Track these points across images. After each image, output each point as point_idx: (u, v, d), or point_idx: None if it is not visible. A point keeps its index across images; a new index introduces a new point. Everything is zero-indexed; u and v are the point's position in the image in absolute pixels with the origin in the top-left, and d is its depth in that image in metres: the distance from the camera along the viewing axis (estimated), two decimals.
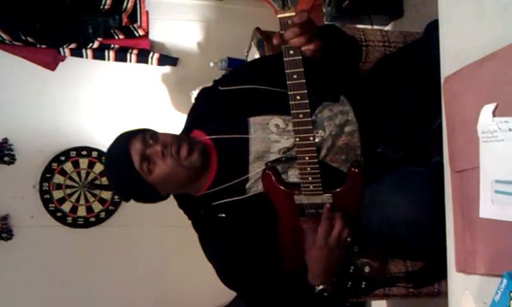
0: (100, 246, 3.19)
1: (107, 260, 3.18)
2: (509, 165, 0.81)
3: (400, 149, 1.45)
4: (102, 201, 3.20)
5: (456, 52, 1.00)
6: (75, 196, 3.19)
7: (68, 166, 3.19)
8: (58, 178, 3.17)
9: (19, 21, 3.03)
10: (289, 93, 1.27)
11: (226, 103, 1.54)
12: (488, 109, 0.85)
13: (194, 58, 3.38)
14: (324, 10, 2.72)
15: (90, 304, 3.14)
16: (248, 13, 3.28)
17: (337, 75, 1.52)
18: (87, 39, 3.13)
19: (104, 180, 3.16)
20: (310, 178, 1.38)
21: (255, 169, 1.46)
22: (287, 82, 1.26)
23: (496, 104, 0.84)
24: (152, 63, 3.28)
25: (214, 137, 1.51)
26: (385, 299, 1.83)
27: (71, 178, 3.19)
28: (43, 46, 3.10)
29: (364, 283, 1.52)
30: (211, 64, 3.10)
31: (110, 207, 3.19)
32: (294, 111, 1.30)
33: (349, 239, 1.43)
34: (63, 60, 3.20)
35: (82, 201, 3.19)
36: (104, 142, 3.20)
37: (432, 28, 1.38)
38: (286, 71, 1.24)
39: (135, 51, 3.22)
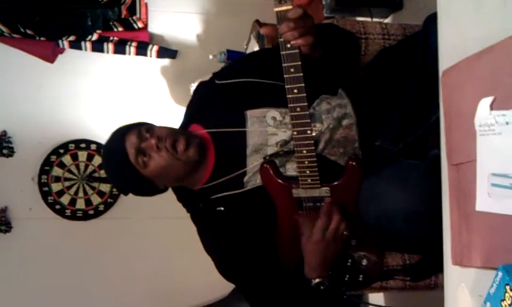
0: (98, 239, 3.20)
1: (105, 253, 3.18)
2: (506, 159, 0.81)
3: (399, 142, 1.45)
4: (100, 193, 3.20)
5: (454, 46, 1.00)
6: (74, 188, 3.19)
7: (66, 159, 3.19)
8: (57, 171, 3.17)
9: (18, 13, 3.02)
10: (286, 86, 1.27)
11: (223, 96, 1.54)
12: (485, 102, 0.85)
13: (193, 50, 3.37)
14: (323, 2, 2.71)
15: (89, 297, 3.14)
16: (247, 5, 3.26)
17: (336, 70, 1.52)
18: (86, 31, 3.13)
19: (103, 173, 3.15)
20: (308, 172, 1.38)
21: (253, 162, 1.46)
22: (284, 76, 1.26)
23: (494, 97, 0.84)
24: (151, 56, 3.28)
25: (211, 130, 1.51)
26: (382, 291, 1.84)
27: (70, 171, 3.19)
28: (42, 38, 3.09)
29: (361, 275, 1.53)
30: (210, 56, 3.10)
31: (109, 200, 3.19)
32: (291, 105, 1.30)
33: (345, 233, 1.43)
34: (61, 52, 3.19)
35: (80, 194, 3.19)
36: (102, 135, 3.19)
37: (431, 21, 1.38)
38: (283, 64, 1.24)
39: (134, 43, 3.22)
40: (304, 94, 1.28)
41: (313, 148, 1.35)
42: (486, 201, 0.85)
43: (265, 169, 1.44)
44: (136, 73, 3.31)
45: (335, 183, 1.41)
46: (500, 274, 0.75)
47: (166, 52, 3.31)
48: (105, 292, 3.16)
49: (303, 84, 1.26)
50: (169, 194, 1.62)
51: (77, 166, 3.21)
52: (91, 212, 3.20)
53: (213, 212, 1.51)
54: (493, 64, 0.85)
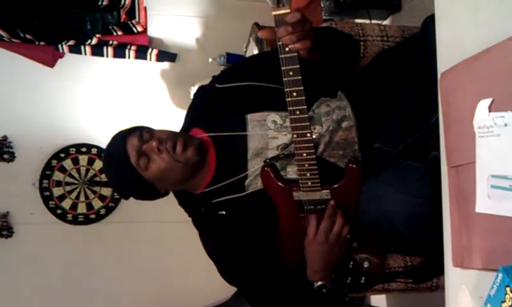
0: (100, 243, 3.20)
1: (107, 257, 3.19)
2: (505, 160, 0.81)
3: (398, 144, 1.46)
4: (102, 197, 3.21)
5: (452, 48, 1.00)
6: (75, 193, 3.20)
7: (67, 163, 3.20)
8: (58, 175, 3.18)
9: (17, 18, 3.03)
10: (285, 89, 1.27)
11: (223, 100, 1.55)
12: (483, 104, 0.85)
13: (192, 54, 3.38)
14: (322, 5, 2.72)
15: (91, 301, 3.14)
16: (247, 8, 3.27)
17: (335, 73, 1.52)
18: (85, 35, 3.13)
19: (104, 177, 3.16)
20: (308, 174, 1.38)
21: (254, 166, 1.47)
22: (283, 79, 1.26)
23: (492, 99, 0.84)
24: (150, 59, 3.28)
25: (212, 134, 1.51)
26: (384, 293, 1.84)
27: (71, 175, 3.20)
28: (41, 43, 3.10)
29: (363, 278, 1.53)
30: (210, 59, 3.11)
31: (110, 204, 3.20)
32: (290, 108, 1.30)
33: (348, 236, 1.43)
34: (61, 57, 3.20)
35: (82, 198, 3.20)
36: (103, 139, 3.21)
37: (430, 23, 1.38)
38: (282, 68, 1.25)
39: (133, 47, 3.22)
40: (304, 98, 1.28)
41: (313, 150, 1.35)
42: (486, 202, 0.85)
43: (266, 172, 1.45)
44: (136, 76, 3.32)
45: (335, 185, 1.41)
46: (500, 275, 0.75)
47: (166, 55, 3.32)
48: (107, 296, 3.16)
49: (301, 87, 1.26)
50: (171, 198, 1.62)
51: (78, 170, 3.21)
52: (93, 216, 3.21)
53: (215, 216, 1.51)
54: (491, 66, 0.86)
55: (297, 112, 1.31)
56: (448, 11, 1.04)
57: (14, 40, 3.05)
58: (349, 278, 1.53)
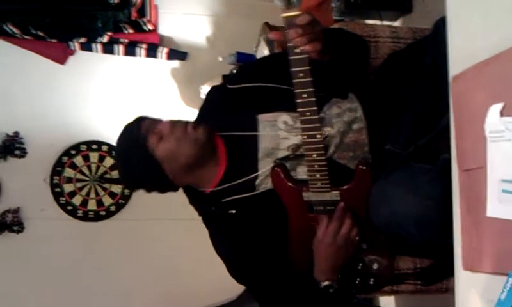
0: (110, 240, 3.22)
1: (117, 253, 3.21)
2: None
3: (409, 146, 1.46)
4: (112, 194, 3.23)
5: (463, 52, 1.00)
6: (86, 189, 3.22)
7: (78, 160, 3.22)
8: (69, 172, 3.20)
9: (29, 15, 3.04)
10: (295, 91, 1.28)
11: (235, 101, 1.56)
12: (495, 108, 0.85)
13: (203, 52, 3.39)
14: (333, 5, 2.72)
15: (100, 297, 3.16)
16: (257, 7, 3.27)
17: (346, 75, 1.52)
18: (96, 33, 3.15)
19: (114, 174, 3.19)
20: (318, 175, 1.39)
21: (264, 166, 1.47)
22: (293, 81, 1.26)
23: (504, 104, 0.84)
24: (161, 58, 3.29)
25: (223, 134, 1.52)
26: (393, 294, 1.84)
27: (81, 172, 3.22)
28: (53, 40, 3.12)
29: (372, 279, 1.53)
30: (220, 58, 3.11)
31: (120, 201, 3.22)
32: (301, 109, 1.30)
33: (357, 238, 1.44)
34: (72, 54, 3.22)
35: (92, 195, 3.22)
36: (113, 137, 3.18)
37: (441, 25, 1.38)
38: (292, 69, 1.25)
39: (144, 45, 3.24)
40: (314, 99, 1.28)
41: (323, 151, 1.35)
42: (497, 207, 0.85)
43: (276, 173, 1.45)
44: (146, 74, 3.33)
45: (345, 187, 1.41)
46: (510, 279, 0.76)
47: (176, 54, 3.33)
48: (115, 292, 3.18)
49: (312, 89, 1.26)
50: (180, 196, 1.63)
51: (89, 167, 3.23)
52: (103, 212, 3.23)
53: (225, 215, 1.52)
54: (502, 70, 0.86)
55: (308, 114, 1.31)
56: (459, 15, 1.04)
57: (26, 37, 3.07)
58: (358, 279, 1.53)
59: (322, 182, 1.40)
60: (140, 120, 1.52)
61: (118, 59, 3.26)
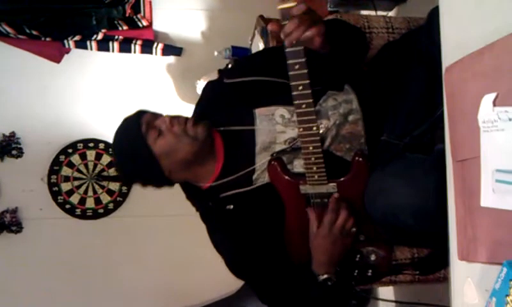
0: (109, 237, 3.22)
1: (116, 251, 3.20)
2: (510, 155, 0.81)
3: (405, 136, 1.46)
4: (110, 192, 3.22)
5: (456, 42, 1.00)
6: (83, 187, 3.21)
7: (75, 158, 3.21)
8: (66, 171, 3.20)
9: (23, 14, 3.03)
10: (291, 83, 1.28)
11: (231, 95, 1.56)
12: (488, 98, 0.85)
13: (198, 47, 3.37)
14: None
15: (99, 295, 3.17)
16: (251, 1, 3.26)
17: (344, 66, 1.52)
18: (91, 31, 3.13)
19: (112, 172, 3.18)
20: (315, 168, 1.39)
21: (261, 160, 1.48)
22: (289, 73, 1.26)
23: (497, 94, 0.84)
24: (156, 54, 3.28)
25: (220, 129, 1.52)
26: (392, 285, 1.85)
27: (79, 170, 3.22)
28: (47, 39, 3.11)
29: (370, 270, 1.54)
30: (215, 53, 3.10)
31: (118, 198, 3.21)
32: (297, 102, 1.31)
33: (354, 229, 1.44)
34: (67, 52, 3.20)
35: (90, 193, 3.21)
36: (110, 134, 3.17)
37: (435, 14, 1.38)
38: (287, 62, 1.25)
39: (139, 42, 3.23)
40: (310, 91, 1.28)
41: (319, 144, 1.36)
42: (491, 197, 0.85)
43: (273, 166, 1.45)
44: (142, 71, 3.32)
45: (342, 179, 1.42)
46: (504, 269, 0.76)
47: (171, 49, 3.32)
48: (115, 290, 3.18)
49: (307, 81, 1.27)
50: (178, 192, 1.63)
51: (86, 165, 3.23)
52: (101, 210, 3.22)
53: (222, 210, 1.52)
54: (496, 60, 0.86)
55: (304, 106, 1.31)
56: (452, 5, 1.04)
57: (20, 36, 3.06)
58: (356, 271, 1.54)
59: (319, 175, 1.40)
60: (140, 113, 1.51)
61: (113, 56, 3.25)
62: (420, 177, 1.30)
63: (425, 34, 1.47)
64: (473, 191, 0.90)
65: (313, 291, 1.48)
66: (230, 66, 2.94)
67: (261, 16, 2.77)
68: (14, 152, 3.13)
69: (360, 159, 1.40)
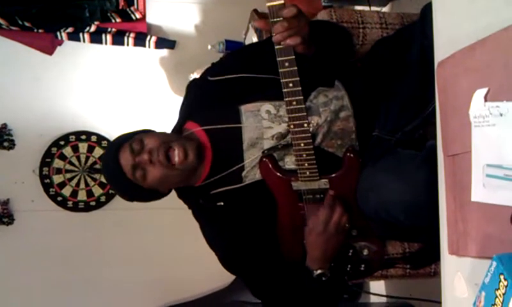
0: (101, 230, 3.21)
1: (108, 244, 3.20)
2: (500, 150, 0.82)
3: (396, 132, 1.46)
4: (102, 185, 3.21)
5: (449, 37, 1.00)
6: (75, 180, 3.20)
7: (67, 151, 3.20)
8: (58, 163, 3.18)
9: (15, 6, 3.01)
10: (282, 80, 1.28)
11: (216, 93, 1.55)
12: (479, 93, 0.86)
13: (191, 41, 3.36)
14: None
15: (91, 288, 3.16)
16: None
17: (331, 65, 1.52)
18: (84, 23, 3.12)
19: None
20: (306, 164, 1.39)
21: (250, 157, 1.47)
22: (279, 70, 1.26)
23: (488, 89, 0.85)
24: (149, 46, 3.27)
25: (207, 127, 1.52)
26: (383, 279, 1.86)
27: (71, 163, 3.20)
28: (40, 30, 3.09)
29: (363, 265, 1.55)
30: (209, 46, 3.09)
31: (110, 191, 3.20)
32: (287, 99, 1.31)
33: (347, 225, 1.44)
34: (60, 44, 3.18)
35: (82, 185, 3.20)
36: (102, 127, 3.22)
37: (428, 11, 1.38)
38: (277, 59, 1.25)
39: (132, 34, 3.21)
40: (300, 88, 1.28)
41: (310, 140, 1.36)
42: (481, 191, 0.86)
43: (264, 163, 1.45)
44: (135, 64, 3.31)
45: (334, 175, 1.42)
46: (494, 263, 0.76)
47: (165, 42, 3.30)
48: (107, 283, 3.18)
49: (297, 78, 1.27)
50: None
51: (78, 158, 3.21)
52: (93, 203, 3.22)
53: (213, 207, 1.52)
54: (487, 56, 0.86)
55: (294, 103, 1.31)
56: (445, 1, 1.04)
57: (12, 28, 3.04)
58: (349, 266, 1.54)
59: (310, 171, 1.40)
60: (116, 154, 1.47)
61: (106, 49, 3.23)
62: (411, 173, 1.30)
63: (419, 30, 1.48)
64: (464, 186, 0.91)
65: (307, 287, 1.48)
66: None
67: (255, 10, 2.76)
68: (6, 144, 3.11)
69: (352, 155, 1.41)
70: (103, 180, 3.20)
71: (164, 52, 3.34)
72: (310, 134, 1.35)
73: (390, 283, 2.43)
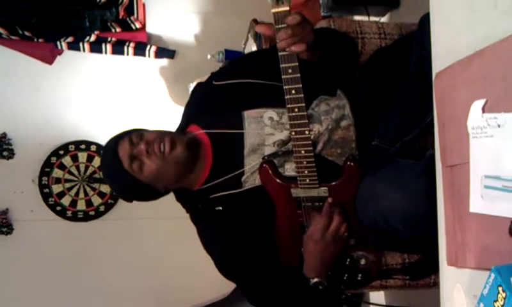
0: (99, 240, 3.21)
1: (107, 254, 3.19)
2: (498, 161, 0.82)
3: (396, 141, 1.46)
4: (101, 194, 3.21)
5: (447, 47, 1.01)
6: (75, 189, 3.20)
7: (67, 160, 3.20)
8: (57, 172, 3.18)
9: (16, 15, 3.02)
10: (284, 87, 1.28)
11: (220, 97, 1.56)
12: (477, 105, 0.86)
13: (191, 50, 3.37)
14: (320, 1, 2.71)
15: (90, 297, 3.15)
16: (245, 4, 3.26)
17: (335, 73, 1.53)
18: (84, 32, 3.13)
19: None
20: (306, 172, 1.39)
21: (250, 163, 1.48)
22: (282, 77, 1.27)
23: (486, 100, 0.85)
24: (149, 56, 3.28)
25: (209, 131, 1.52)
26: (382, 289, 1.85)
27: (70, 172, 3.20)
28: (40, 40, 3.10)
29: (360, 275, 1.54)
30: (208, 56, 3.10)
31: (109, 201, 3.20)
32: (289, 105, 1.31)
33: (345, 234, 1.44)
34: (60, 54, 3.19)
35: (81, 195, 3.20)
36: (102, 136, 3.21)
37: (426, 21, 1.38)
38: (281, 65, 1.26)
39: (132, 44, 3.22)
40: (302, 95, 1.29)
41: (311, 148, 1.36)
42: (479, 202, 0.86)
43: (264, 169, 1.46)
44: (135, 73, 3.32)
45: (333, 183, 1.42)
46: (492, 275, 0.76)
47: (164, 52, 3.31)
48: (106, 293, 3.17)
49: (300, 85, 1.27)
50: (169, 195, 1.63)
51: (77, 167, 3.22)
52: (92, 212, 3.21)
53: (212, 211, 1.52)
54: (485, 67, 0.86)
55: (296, 110, 1.31)
56: (443, 11, 1.05)
57: (13, 37, 3.05)
58: (346, 275, 1.54)
59: (310, 178, 1.40)
60: (115, 147, 1.49)
61: (106, 58, 3.24)
62: (410, 183, 1.30)
63: (417, 40, 1.48)
64: (462, 196, 0.91)
65: (304, 295, 1.48)
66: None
67: (254, 20, 2.77)
68: (5, 153, 3.12)
69: (352, 164, 1.41)
70: (102, 189, 3.20)
71: (164, 61, 3.35)
72: (310, 142, 1.36)
73: (390, 293, 2.42)
